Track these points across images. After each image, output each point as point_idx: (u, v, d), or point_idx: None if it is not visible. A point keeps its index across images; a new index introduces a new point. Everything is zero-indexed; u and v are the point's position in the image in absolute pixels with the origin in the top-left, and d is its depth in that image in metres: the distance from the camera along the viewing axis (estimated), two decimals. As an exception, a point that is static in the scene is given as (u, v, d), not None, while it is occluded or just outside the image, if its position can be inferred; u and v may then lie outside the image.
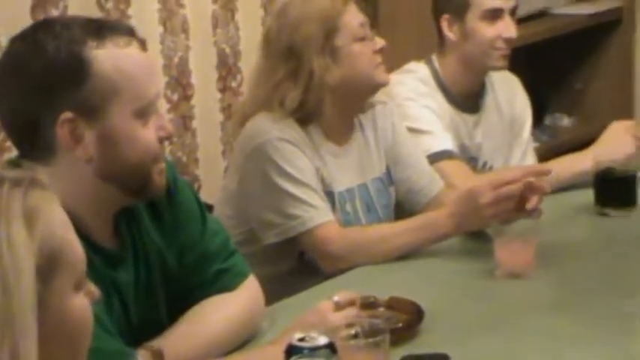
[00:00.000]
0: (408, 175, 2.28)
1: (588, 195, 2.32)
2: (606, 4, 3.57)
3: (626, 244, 2.16)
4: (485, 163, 2.56)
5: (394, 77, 2.44)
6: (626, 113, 3.58)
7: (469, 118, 2.53)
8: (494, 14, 2.43)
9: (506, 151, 2.60)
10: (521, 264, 1.95)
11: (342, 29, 2.12)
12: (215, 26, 2.92)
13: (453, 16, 2.46)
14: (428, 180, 2.29)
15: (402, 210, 2.27)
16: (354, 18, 2.14)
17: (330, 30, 2.11)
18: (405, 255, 2.07)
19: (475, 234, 2.11)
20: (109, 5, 2.63)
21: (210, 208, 2.06)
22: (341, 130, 2.20)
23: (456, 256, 2.09)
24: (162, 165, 1.57)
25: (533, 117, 2.73)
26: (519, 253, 1.95)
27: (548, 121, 3.66)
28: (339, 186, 2.17)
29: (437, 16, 2.50)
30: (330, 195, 2.14)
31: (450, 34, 2.46)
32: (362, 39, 2.14)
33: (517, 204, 1.99)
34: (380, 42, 2.18)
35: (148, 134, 1.52)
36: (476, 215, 2.00)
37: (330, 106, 2.13)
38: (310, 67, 2.09)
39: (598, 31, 3.60)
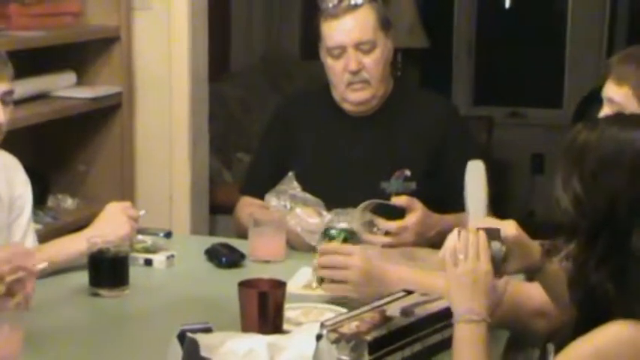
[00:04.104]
0: None
1: (85, 276, 2.34)
2: (107, 89, 3.66)
3: (118, 323, 2.21)
4: (-17, 247, 2.50)
5: None
6: (128, 193, 3.70)
7: (-34, 200, 2.47)
8: None
9: (6, 233, 2.56)
10: (6, 355, 1.91)
11: None
12: None
13: None
14: None
15: None
16: None
17: None
18: None
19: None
20: None
21: None
22: None
23: None
24: None
25: (37, 198, 2.72)
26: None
27: (51, 202, 3.65)
28: None
29: None
30: None
31: None
32: None
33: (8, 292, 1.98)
34: None
35: None
36: None
37: None
38: None
39: (100, 114, 3.69)
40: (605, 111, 2.24)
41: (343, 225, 2.35)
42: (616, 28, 6.31)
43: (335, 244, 2.37)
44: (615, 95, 2.21)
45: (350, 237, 2.31)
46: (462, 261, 1.84)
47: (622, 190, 1.59)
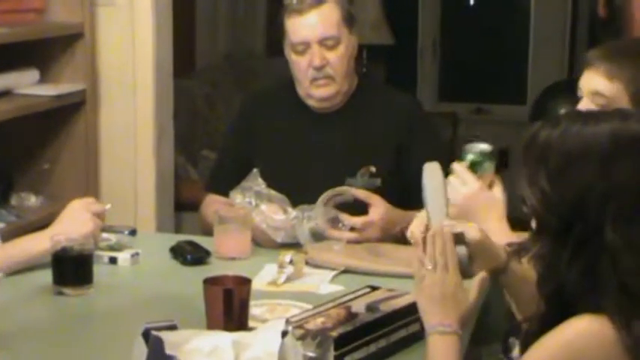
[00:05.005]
0: None
1: (48, 275, 2.32)
2: (71, 87, 3.63)
3: (82, 322, 2.20)
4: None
5: None
6: (93, 191, 3.68)
7: None
8: None
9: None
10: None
11: None
12: None
13: None
14: None
15: None
16: None
17: None
18: None
19: None
20: None
21: None
22: None
23: None
24: None
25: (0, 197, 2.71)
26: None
27: (14, 201, 3.62)
28: None
29: None
30: None
31: None
32: None
33: None
34: None
35: None
36: None
37: None
38: None
39: (64, 112, 3.66)
40: (585, 104, 2.19)
41: (483, 147, 2.38)
42: (578, 26, 6.36)
43: (461, 168, 2.39)
44: (605, 89, 2.16)
45: (481, 162, 2.34)
46: (430, 272, 1.82)
47: (592, 184, 1.59)
